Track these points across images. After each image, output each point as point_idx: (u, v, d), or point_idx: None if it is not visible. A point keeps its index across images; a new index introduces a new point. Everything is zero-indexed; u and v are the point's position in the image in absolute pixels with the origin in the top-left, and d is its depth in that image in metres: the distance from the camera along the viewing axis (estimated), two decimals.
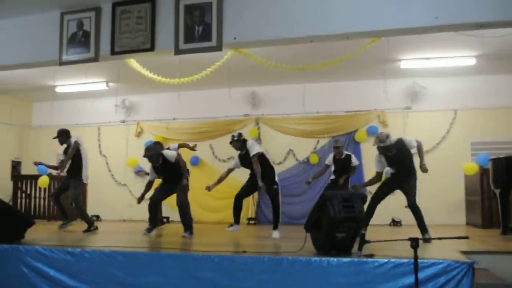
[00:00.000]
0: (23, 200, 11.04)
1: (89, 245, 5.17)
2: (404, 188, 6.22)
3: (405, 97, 10.14)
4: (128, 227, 9.09)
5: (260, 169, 6.38)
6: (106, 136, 12.07)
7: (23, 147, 12.41)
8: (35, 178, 10.69)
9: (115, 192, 11.64)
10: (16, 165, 12.18)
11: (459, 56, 8.68)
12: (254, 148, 6.48)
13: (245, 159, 6.60)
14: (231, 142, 6.66)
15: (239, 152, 6.71)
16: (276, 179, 6.59)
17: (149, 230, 6.81)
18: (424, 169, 6.21)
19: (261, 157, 6.50)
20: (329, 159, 8.14)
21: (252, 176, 6.54)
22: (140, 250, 4.68)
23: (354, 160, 8.12)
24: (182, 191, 6.77)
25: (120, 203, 11.41)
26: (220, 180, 6.89)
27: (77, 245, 5.01)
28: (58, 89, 10.85)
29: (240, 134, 6.69)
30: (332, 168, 8.08)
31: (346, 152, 8.16)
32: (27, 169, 12.07)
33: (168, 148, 7.83)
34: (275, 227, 6.49)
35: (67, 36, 6.23)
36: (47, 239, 6.09)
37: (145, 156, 6.73)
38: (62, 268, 4.61)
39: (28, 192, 11.00)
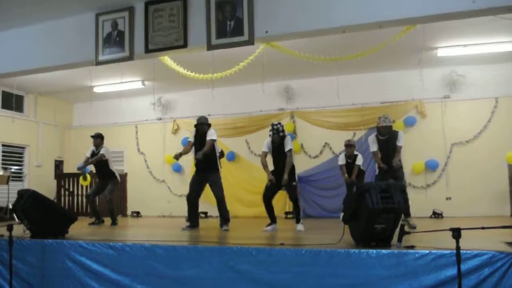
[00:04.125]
0: (66, 198, 11.43)
1: (130, 239, 5.28)
2: (396, 179, 6.54)
3: (443, 86, 9.90)
4: (168, 222, 9.26)
5: (291, 164, 6.61)
6: (144, 134, 12.31)
7: (65, 146, 12.83)
8: (77, 176, 11.04)
9: (154, 188, 11.87)
10: (59, 164, 12.60)
11: (498, 42, 8.36)
12: (290, 144, 6.70)
13: (275, 149, 6.75)
14: (273, 134, 6.68)
15: (271, 140, 6.79)
16: (296, 176, 6.79)
17: (189, 227, 6.96)
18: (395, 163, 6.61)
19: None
20: (341, 160, 8.48)
21: (275, 174, 6.63)
22: (179, 244, 4.74)
23: (359, 159, 8.34)
24: (215, 184, 6.93)
25: (159, 199, 11.63)
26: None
27: (119, 239, 5.14)
28: (96, 89, 11.15)
29: (283, 129, 6.74)
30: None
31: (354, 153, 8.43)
32: (69, 168, 12.49)
33: None
34: (297, 221, 6.67)
35: (103, 36, 6.36)
36: (90, 234, 6.27)
37: (197, 125, 7.11)
38: (104, 261, 4.73)
39: (71, 189, 11.38)
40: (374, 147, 6.81)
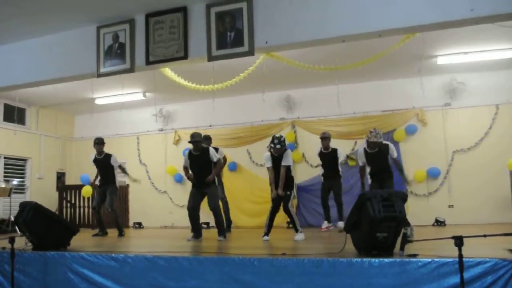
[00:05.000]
0: (68, 210, 11.42)
1: (132, 251, 5.28)
2: (386, 187, 6.73)
3: (443, 94, 9.90)
4: (170, 233, 9.24)
5: (284, 178, 6.52)
6: (145, 145, 12.32)
7: (67, 158, 12.84)
8: (79, 188, 11.05)
9: (156, 199, 11.85)
10: (60, 176, 12.61)
11: (498, 49, 8.37)
12: (288, 160, 6.60)
13: (276, 161, 6.66)
14: (274, 147, 6.51)
15: (272, 151, 6.69)
16: (295, 187, 6.91)
17: (194, 238, 6.98)
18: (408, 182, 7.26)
19: (289, 169, 6.66)
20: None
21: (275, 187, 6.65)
22: (181, 255, 4.73)
23: (340, 153, 8.44)
24: (210, 194, 6.99)
25: (161, 210, 11.62)
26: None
27: (121, 251, 5.13)
28: (98, 101, 11.17)
29: (284, 142, 6.57)
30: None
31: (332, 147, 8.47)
32: (71, 180, 12.50)
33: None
34: (295, 230, 6.60)
35: (104, 48, 6.41)
36: (92, 246, 6.26)
37: (190, 141, 6.99)
38: (107, 273, 4.72)
39: (73, 201, 11.37)
40: (360, 162, 7.27)
